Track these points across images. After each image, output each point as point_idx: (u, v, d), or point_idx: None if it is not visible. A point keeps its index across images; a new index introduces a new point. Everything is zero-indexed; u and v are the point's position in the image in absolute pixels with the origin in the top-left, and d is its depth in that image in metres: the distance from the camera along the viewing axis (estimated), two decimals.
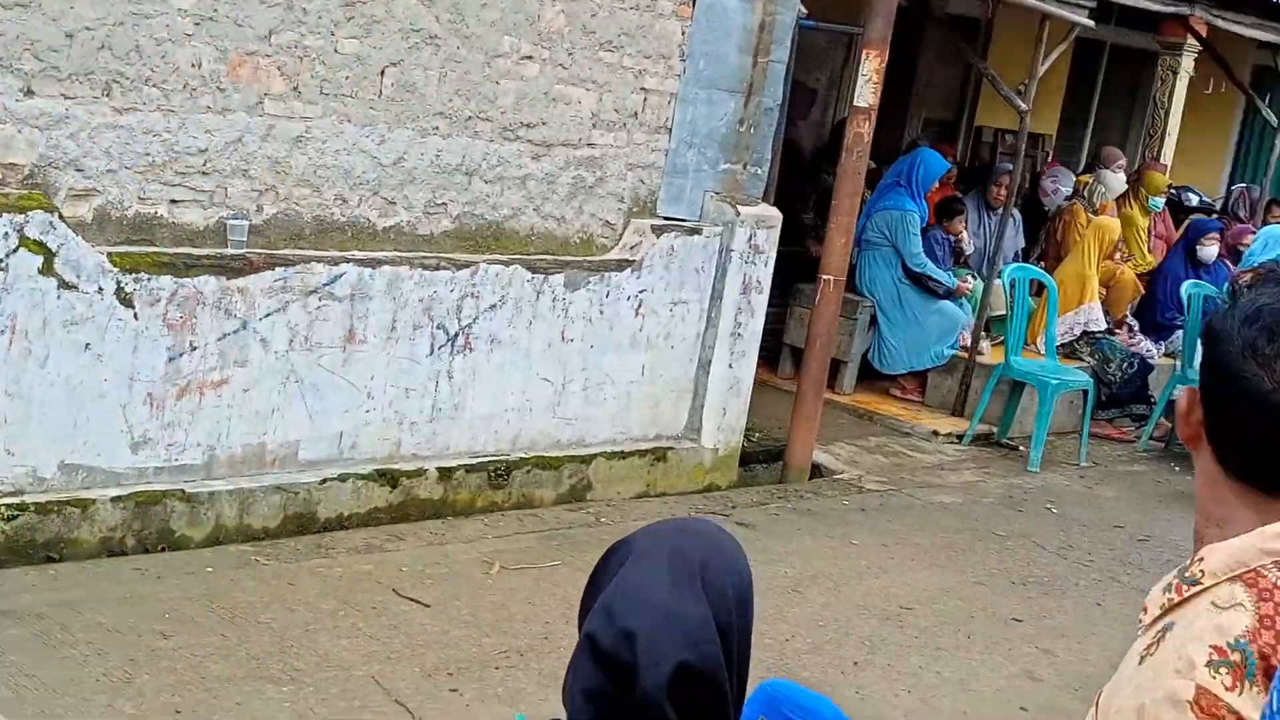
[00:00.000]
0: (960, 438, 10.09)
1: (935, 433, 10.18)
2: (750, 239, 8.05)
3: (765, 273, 8.23)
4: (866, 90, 7.76)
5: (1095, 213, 11.62)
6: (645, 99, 7.64)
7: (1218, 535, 1.89)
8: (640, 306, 7.73)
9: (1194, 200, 13.84)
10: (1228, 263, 11.89)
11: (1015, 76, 10.43)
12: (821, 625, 6.55)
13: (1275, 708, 1.47)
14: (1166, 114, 14.18)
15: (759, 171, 8.15)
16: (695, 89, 7.78)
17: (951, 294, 10.51)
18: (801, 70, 11.95)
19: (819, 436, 8.98)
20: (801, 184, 11.49)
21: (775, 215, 8.29)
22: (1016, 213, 11.25)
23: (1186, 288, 11.10)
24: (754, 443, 8.91)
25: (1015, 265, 10.73)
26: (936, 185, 10.65)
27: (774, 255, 8.31)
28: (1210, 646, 1.76)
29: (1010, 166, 10.93)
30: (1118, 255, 11.72)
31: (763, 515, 8.01)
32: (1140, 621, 1.87)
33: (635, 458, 7.93)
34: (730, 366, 8.19)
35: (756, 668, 6.15)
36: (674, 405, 8.10)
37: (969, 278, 10.69)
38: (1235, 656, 1.75)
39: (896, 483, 9.06)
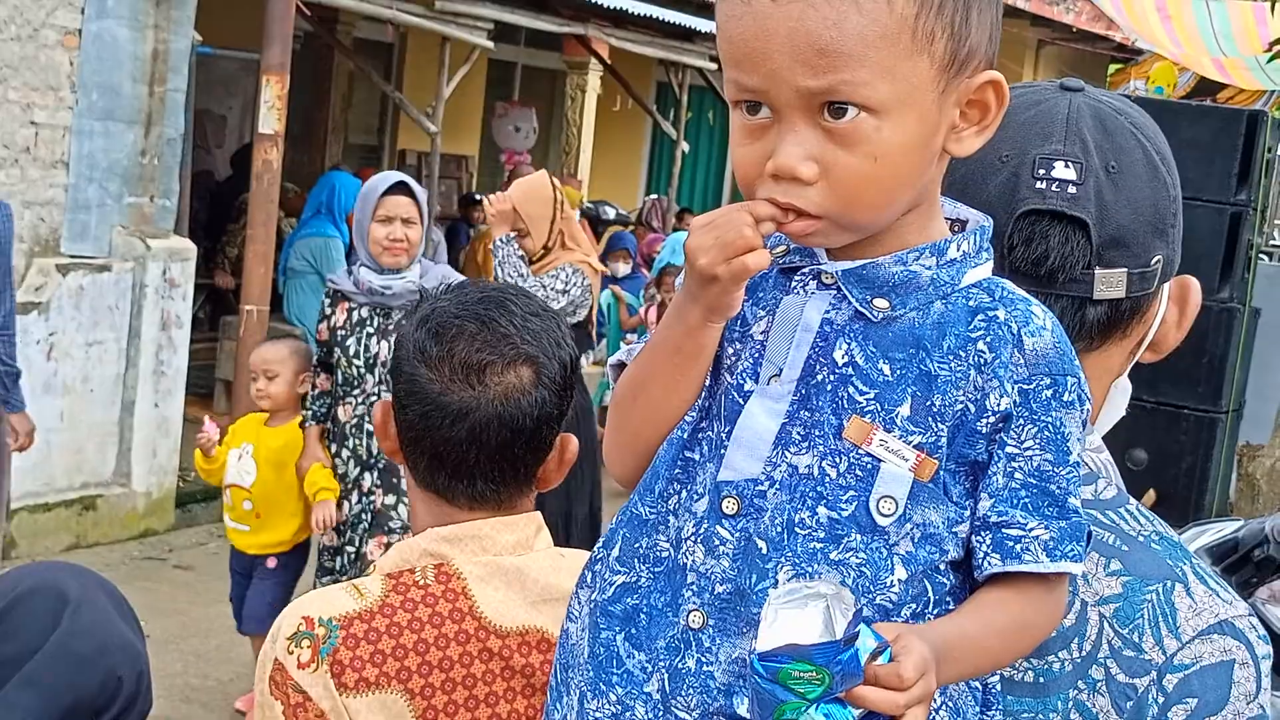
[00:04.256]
0: None
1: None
2: (165, 273, 7.83)
3: (184, 307, 8.02)
4: (271, 117, 7.68)
5: None
6: (37, 133, 7.28)
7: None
8: (52, 350, 7.37)
9: (611, 213, 14.49)
10: (644, 270, 12.52)
11: (429, 99, 10.62)
12: None
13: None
14: (579, 131, 14.85)
15: (168, 203, 7.93)
16: (91, 121, 7.49)
17: None
18: (212, 98, 11.76)
19: None
20: (224, 214, 11.28)
21: (189, 248, 8.09)
22: (437, 232, 11.44)
23: (604, 298, 11.61)
24: (191, 482, 8.66)
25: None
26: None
27: (191, 289, 8.12)
28: (302, 617, 1.77)
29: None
30: None
31: (202, 556, 7.81)
32: None
33: (61, 509, 7.56)
34: (156, 406, 7.93)
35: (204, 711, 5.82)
36: (99, 451, 7.77)
37: None
38: (320, 631, 1.75)
39: None
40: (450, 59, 10.00)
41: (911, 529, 1.27)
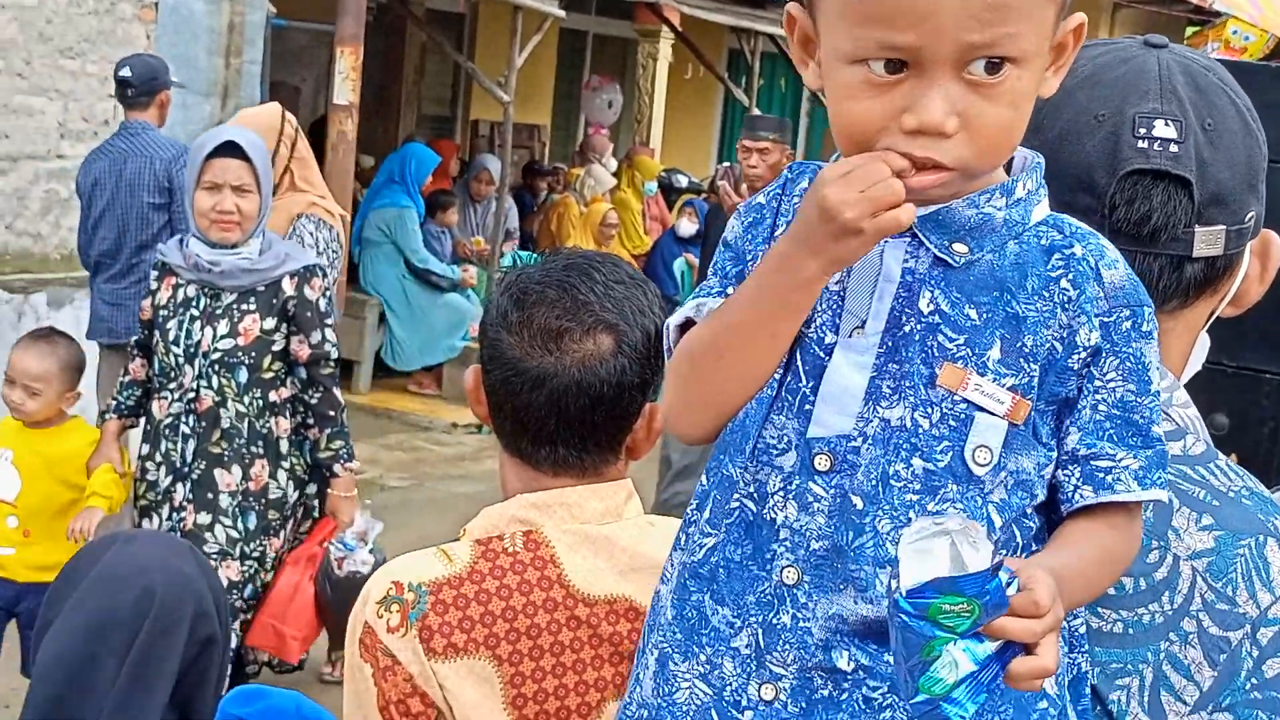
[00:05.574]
0: (480, 428, 10.20)
1: (454, 425, 10.24)
2: None
3: None
4: (345, 88, 7.74)
5: (587, 205, 11.99)
6: (115, 106, 7.35)
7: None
8: None
9: (683, 181, 14.45)
10: None
11: (501, 69, 10.63)
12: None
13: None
14: (651, 100, 14.81)
15: None
16: None
17: (456, 286, 10.62)
18: (285, 70, 11.83)
19: None
20: None
21: None
22: (510, 201, 11.47)
23: (678, 265, 11.60)
24: None
25: (517, 253, 10.93)
26: (430, 179, 10.73)
27: None
28: (392, 581, 1.78)
29: (485, 163, 11.17)
30: (615, 238, 12.12)
31: None
32: None
33: None
34: None
35: None
36: None
37: (470, 268, 10.83)
38: (410, 596, 1.76)
39: (418, 477, 9.08)
40: (522, 28, 10.00)
41: (1005, 477, 1.28)
